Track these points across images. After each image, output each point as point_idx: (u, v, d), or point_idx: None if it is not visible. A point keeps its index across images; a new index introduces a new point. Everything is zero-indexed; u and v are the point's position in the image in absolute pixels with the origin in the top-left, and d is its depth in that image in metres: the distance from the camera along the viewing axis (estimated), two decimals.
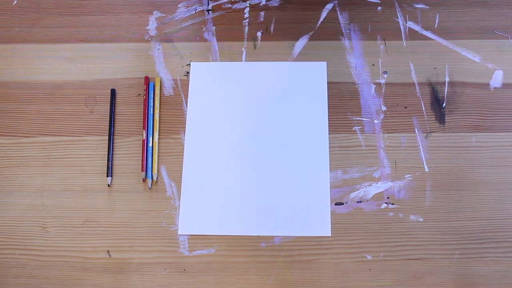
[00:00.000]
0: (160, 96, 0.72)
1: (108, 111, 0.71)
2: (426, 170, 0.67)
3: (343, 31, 0.75)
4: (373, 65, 0.73)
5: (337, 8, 0.77)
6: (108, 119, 0.71)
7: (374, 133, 0.69)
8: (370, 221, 0.65)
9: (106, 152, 0.69)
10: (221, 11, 0.78)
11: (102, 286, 0.63)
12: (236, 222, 0.66)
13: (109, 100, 0.72)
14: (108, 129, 0.70)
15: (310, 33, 0.75)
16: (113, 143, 0.70)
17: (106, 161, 0.68)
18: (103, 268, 0.64)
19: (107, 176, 0.67)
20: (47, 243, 0.65)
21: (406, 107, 0.71)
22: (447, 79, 0.72)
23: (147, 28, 0.77)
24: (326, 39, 0.75)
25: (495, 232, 0.64)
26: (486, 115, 0.70)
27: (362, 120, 0.70)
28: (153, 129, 0.70)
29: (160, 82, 0.73)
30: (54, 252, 0.65)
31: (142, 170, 0.68)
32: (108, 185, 0.67)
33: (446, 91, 0.72)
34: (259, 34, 0.76)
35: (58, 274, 0.64)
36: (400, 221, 0.65)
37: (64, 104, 0.72)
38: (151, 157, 0.68)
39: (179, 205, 0.67)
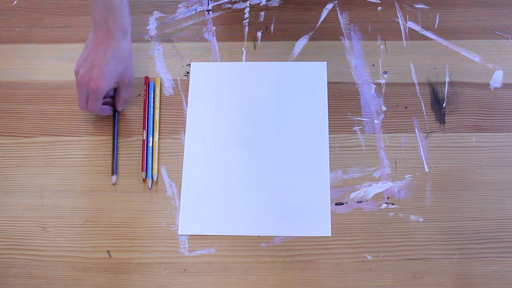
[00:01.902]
0: (160, 96, 0.72)
1: None
2: (426, 170, 0.67)
3: (343, 31, 0.75)
4: (373, 65, 0.73)
5: (337, 8, 0.77)
6: (112, 118, 0.71)
7: (374, 133, 0.69)
8: (370, 221, 0.65)
9: (106, 152, 0.69)
10: (221, 11, 0.78)
11: (102, 286, 0.63)
12: (236, 222, 0.66)
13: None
14: (111, 128, 0.70)
15: (310, 33, 0.75)
16: (117, 140, 0.69)
17: (111, 160, 0.68)
18: (103, 268, 0.64)
19: (112, 175, 0.67)
20: (47, 243, 0.65)
21: (406, 107, 0.71)
22: (447, 79, 0.72)
23: (147, 28, 0.77)
24: (326, 39, 0.75)
25: (495, 232, 0.64)
26: (486, 115, 0.70)
27: (362, 120, 0.70)
28: (153, 129, 0.70)
29: (160, 82, 0.73)
30: (54, 252, 0.65)
31: (142, 170, 0.68)
32: (113, 184, 0.67)
33: (446, 91, 0.72)
34: (259, 34, 0.76)
35: (58, 274, 0.64)
36: (400, 221, 0.65)
37: (64, 104, 0.72)
38: (151, 157, 0.68)
39: (179, 205, 0.67)
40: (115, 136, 0.69)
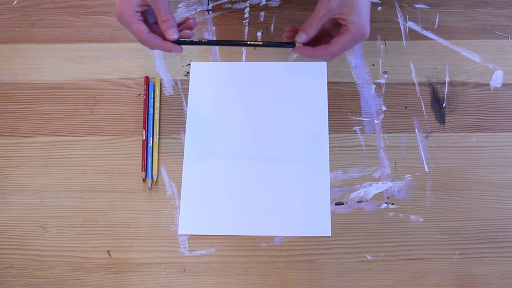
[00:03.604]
0: (160, 96, 0.72)
1: (108, 111, 0.71)
2: (426, 170, 0.67)
3: None
4: (373, 65, 0.73)
5: None
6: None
7: (374, 133, 0.69)
8: (370, 221, 0.65)
9: (106, 152, 0.69)
10: (221, 11, 0.78)
11: (102, 286, 0.63)
12: (236, 222, 0.66)
13: (106, 99, 0.72)
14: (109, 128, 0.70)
15: None
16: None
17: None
18: (103, 268, 0.64)
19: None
20: (47, 243, 0.65)
21: (406, 107, 0.71)
22: (447, 79, 0.72)
23: None
24: None
25: (495, 232, 0.64)
26: (486, 115, 0.70)
27: (362, 120, 0.70)
28: (153, 129, 0.70)
29: (160, 82, 0.73)
30: (54, 252, 0.65)
31: (142, 170, 0.68)
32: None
33: (446, 91, 0.72)
34: (259, 34, 0.76)
35: (58, 274, 0.64)
36: (400, 221, 0.65)
37: (64, 104, 0.72)
38: (151, 157, 0.68)
39: (179, 205, 0.67)
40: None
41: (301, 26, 0.57)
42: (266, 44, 0.59)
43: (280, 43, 0.59)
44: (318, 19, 0.55)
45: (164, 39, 0.57)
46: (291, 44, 0.58)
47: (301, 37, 0.56)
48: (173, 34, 0.56)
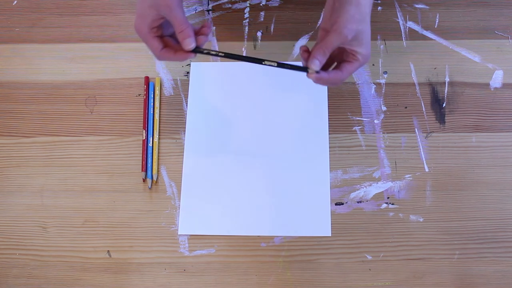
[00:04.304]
0: (160, 96, 0.72)
1: (108, 111, 0.71)
2: (426, 170, 0.67)
3: None
4: (373, 65, 0.73)
5: None
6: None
7: (374, 133, 0.70)
8: (370, 221, 0.65)
9: (106, 152, 0.69)
10: (221, 11, 0.78)
11: (102, 286, 0.63)
12: (236, 222, 0.66)
13: (106, 99, 0.72)
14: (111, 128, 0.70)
15: (310, 33, 0.75)
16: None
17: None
18: (103, 268, 0.64)
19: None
20: (47, 243, 0.65)
21: (406, 107, 0.71)
22: (447, 79, 0.72)
23: None
24: None
25: (495, 232, 0.64)
26: (486, 115, 0.70)
27: (362, 120, 0.70)
28: (153, 129, 0.70)
29: (160, 82, 0.73)
30: (54, 252, 0.65)
31: (142, 170, 0.68)
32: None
33: (446, 91, 0.72)
34: (259, 34, 0.76)
35: (58, 274, 0.64)
36: (400, 221, 0.65)
37: (64, 104, 0.72)
38: (151, 157, 0.68)
39: (179, 205, 0.67)
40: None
41: (312, 52, 0.56)
42: (281, 67, 0.58)
43: (295, 66, 0.58)
44: (331, 47, 0.56)
45: (178, 49, 0.58)
46: (305, 68, 0.57)
47: (315, 64, 0.56)
48: (190, 44, 0.56)
